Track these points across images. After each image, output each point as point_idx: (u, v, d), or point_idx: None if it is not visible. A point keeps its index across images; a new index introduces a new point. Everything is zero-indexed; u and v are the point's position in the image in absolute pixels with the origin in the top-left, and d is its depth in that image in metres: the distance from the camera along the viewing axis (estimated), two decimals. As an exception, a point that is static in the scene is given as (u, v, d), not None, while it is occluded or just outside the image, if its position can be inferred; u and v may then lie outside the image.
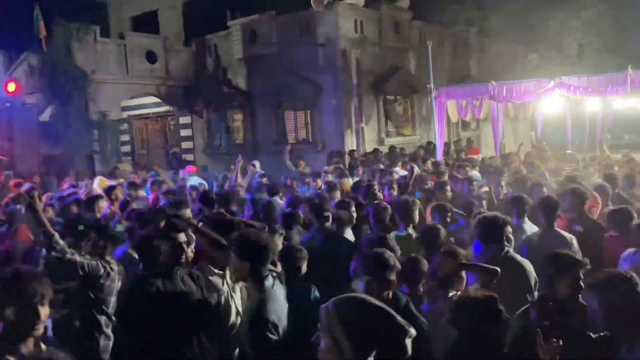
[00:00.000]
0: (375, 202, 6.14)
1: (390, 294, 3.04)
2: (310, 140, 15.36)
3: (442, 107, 12.20)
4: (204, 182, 9.85)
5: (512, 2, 18.89)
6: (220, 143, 17.13)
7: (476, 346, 2.43)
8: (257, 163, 11.59)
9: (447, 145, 14.41)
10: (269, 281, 3.25)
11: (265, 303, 3.12)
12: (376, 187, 6.94)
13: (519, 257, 3.89)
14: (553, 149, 14.59)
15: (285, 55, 14.93)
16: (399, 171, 9.51)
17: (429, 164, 10.52)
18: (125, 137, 19.37)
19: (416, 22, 16.75)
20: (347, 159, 12.67)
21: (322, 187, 8.19)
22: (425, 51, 12.40)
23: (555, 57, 21.54)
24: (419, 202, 5.71)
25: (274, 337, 3.05)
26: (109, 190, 7.34)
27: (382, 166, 10.62)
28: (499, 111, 12.96)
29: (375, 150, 13.43)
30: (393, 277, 3.05)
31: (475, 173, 9.01)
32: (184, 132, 18.59)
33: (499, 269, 3.22)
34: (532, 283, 3.75)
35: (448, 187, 7.13)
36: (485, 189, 7.27)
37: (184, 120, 18.33)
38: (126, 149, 19.25)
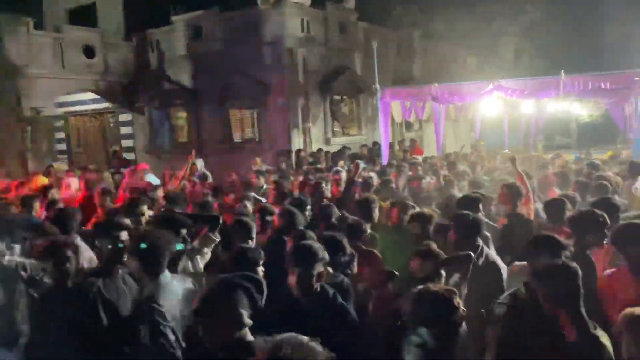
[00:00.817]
0: (323, 200, 6.19)
1: (318, 287, 3.04)
2: (257, 140, 15.24)
3: (387, 107, 12.42)
4: (158, 180, 9.57)
5: (453, 7, 19.54)
6: (164, 141, 16.69)
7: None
8: (199, 161, 11.36)
9: (391, 145, 14.69)
10: (165, 276, 3.22)
11: (157, 294, 3.09)
12: (323, 185, 6.98)
13: (493, 255, 4.00)
14: (491, 149, 15.19)
15: (231, 53, 14.73)
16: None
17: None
18: (61, 135, 18.49)
19: (361, 23, 16.98)
20: (293, 158, 12.67)
21: (264, 186, 8.17)
22: (370, 52, 12.58)
23: (494, 61, 22.48)
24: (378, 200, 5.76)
25: (166, 326, 3.00)
26: (45, 190, 7.00)
27: (319, 166, 10.71)
28: (441, 112, 13.38)
29: (320, 150, 13.51)
30: (321, 268, 3.06)
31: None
32: (124, 130, 17.96)
33: (471, 253, 3.35)
34: (505, 279, 3.85)
35: (392, 185, 7.31)
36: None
37: (124, 117, 17.71)
38: (62, 147, 18.39)
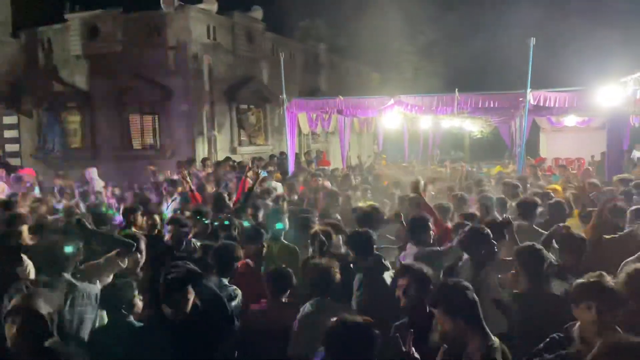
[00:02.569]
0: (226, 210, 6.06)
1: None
2: (158, 147, 14.62)
3: (294, 118, 12.47)
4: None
5: (357, 24, 20.21)
6: (54, 147, 15.49)
7: None
8: (93, 170, 10.63)
9: (297, 156, 14.76)
10: None
11: None
12: (225, 196, 6.83)
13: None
14: (392, 162, 15.83)
15: (132, 56, 14.06)
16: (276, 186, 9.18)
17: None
18: None
19: (269, 33, 17.00)
20: (198, 167, 12.28)
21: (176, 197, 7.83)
22: (277, 63, 12.59)
23: (395, 78, 23.51)
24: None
25: None
26: None
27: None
28: (346, 125, 13.71)
29: (227, 159, 13.24)
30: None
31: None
32: (8, 134, 16.43)
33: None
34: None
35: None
36: None
37: (9, 120, 16.23)
38: None
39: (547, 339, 2.81)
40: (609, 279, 2.72)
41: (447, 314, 2.63)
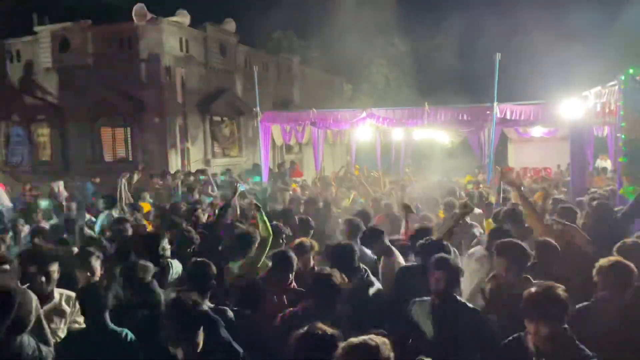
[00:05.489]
0: (200, 224, 6.08)
1: None
2: (131, 159, 14.49)
3: (267, 130, 12.56)
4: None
5: (329, 35, 20.45)
6: (22, 160, 15.23)
7: None
8: (59, 184, 10.51)
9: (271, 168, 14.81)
10: None
11: None
12: (200, 210, 6.84)
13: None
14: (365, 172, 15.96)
15: (103, 68, 13.97)
16: None
17: None
18: None
19: (242, 46, 17.09)
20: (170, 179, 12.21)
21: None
22: (250, 75, 12.67)
23: (367, 89, 23.82)
24: None
25: None
26: None
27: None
28: (320, 136, 13.86)
29: (198, 171, 13.20)
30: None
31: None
32: (-25, 147, 16.08)
33: None
34: None
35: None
36: None
37: (-24, 133, 15.89)
38: None
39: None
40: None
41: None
